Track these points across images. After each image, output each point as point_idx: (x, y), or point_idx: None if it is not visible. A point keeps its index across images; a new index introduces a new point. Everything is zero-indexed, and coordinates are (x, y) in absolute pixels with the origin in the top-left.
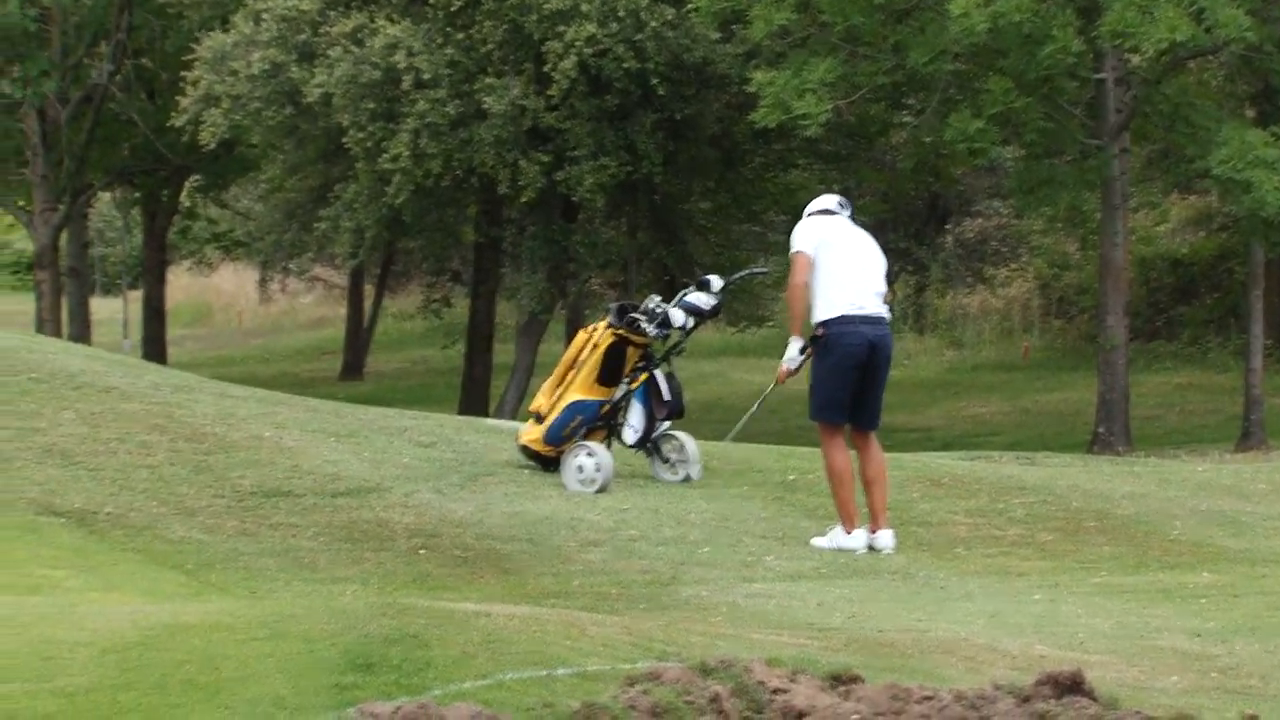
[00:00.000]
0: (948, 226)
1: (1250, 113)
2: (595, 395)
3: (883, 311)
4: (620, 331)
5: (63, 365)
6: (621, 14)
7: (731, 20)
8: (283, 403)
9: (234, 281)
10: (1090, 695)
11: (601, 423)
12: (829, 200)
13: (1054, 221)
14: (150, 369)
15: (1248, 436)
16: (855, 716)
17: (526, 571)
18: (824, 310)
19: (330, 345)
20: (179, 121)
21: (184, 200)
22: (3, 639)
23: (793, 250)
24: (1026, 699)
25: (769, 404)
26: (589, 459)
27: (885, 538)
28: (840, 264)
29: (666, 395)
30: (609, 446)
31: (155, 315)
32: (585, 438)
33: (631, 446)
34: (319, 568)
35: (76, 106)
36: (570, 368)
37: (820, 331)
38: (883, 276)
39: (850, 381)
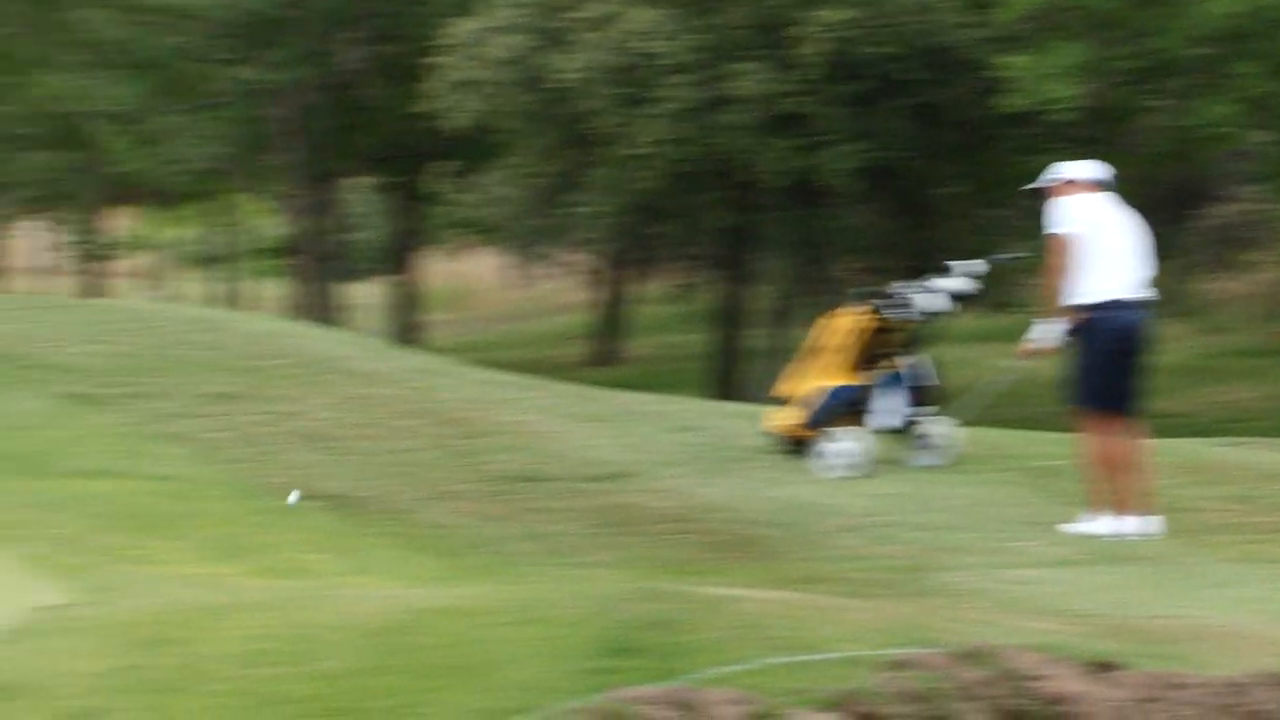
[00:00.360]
0: (1196, 211)
1: None
2: (851, 380)
3: (1148, 295)
4: (872, 317)
5: (317, 350)
6: None
7: (978, 4)
8: (534, 387)
9: (484, 267)
10: None
11: (856, 408)
12: (1088, 168)
13: None
14: (404, 353)
15: None
16: (1116, 704)
17: (779, 556)
18: (1090, 294)
19: (578, 330)
20: (426, 107)
21: (432, 186)
22: (261, 622)
23: (1055, 229)
24: None
25: (1010, 389)
26: (844, 444)
27: (1151, 523)
28: (1106, 246)
29: (919, 381)
30: (863, 432)
31: (407, 300)
32: (840, 423)
33: (884, 431)
34: (572, 552)
35: (324, 93)
36: (822, 352)
37: (1086, 316)
38: (1148, 258)
39: (1117, 367)
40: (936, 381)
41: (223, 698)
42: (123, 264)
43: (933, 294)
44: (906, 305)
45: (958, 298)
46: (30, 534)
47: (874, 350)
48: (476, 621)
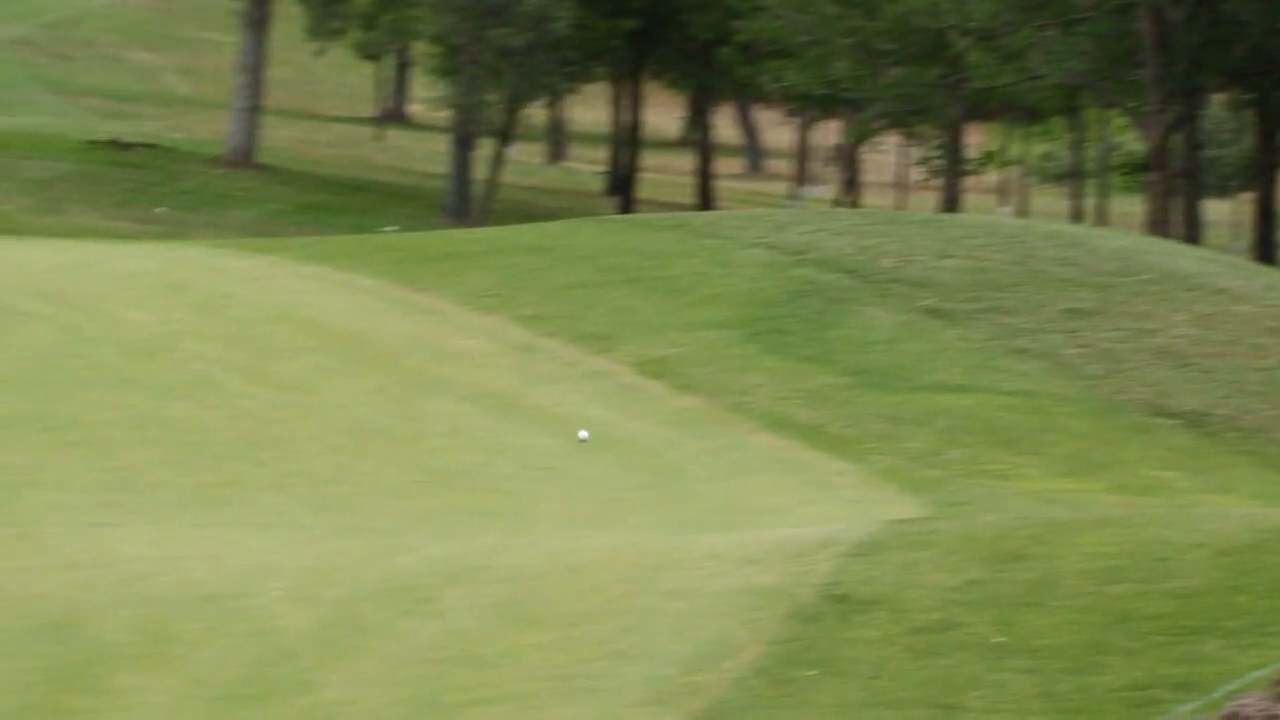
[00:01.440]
0: None
1: None
2: None
3: None
4: None
5: (1176, 267)
6: None
7: None
8: None
9: None
10: None
11: None
12: None
13: None
14: (1263, 271)
15: None
16: None
17: None
18: None
19: None
20: None
21: None
22: (1115, 540)
23: None
24: None
25: None
26: None
27: None
28: None
29: None
30: None
31: (1265, 217)
32: None
33: None
34: None
35: (1191, 7)
36: None
37: None
38: None
39: None
40: None
41: (1073, 614)
42: (978, 179)
43: None
44: None
45: None
46: (884, 448)
47: None
48: None
